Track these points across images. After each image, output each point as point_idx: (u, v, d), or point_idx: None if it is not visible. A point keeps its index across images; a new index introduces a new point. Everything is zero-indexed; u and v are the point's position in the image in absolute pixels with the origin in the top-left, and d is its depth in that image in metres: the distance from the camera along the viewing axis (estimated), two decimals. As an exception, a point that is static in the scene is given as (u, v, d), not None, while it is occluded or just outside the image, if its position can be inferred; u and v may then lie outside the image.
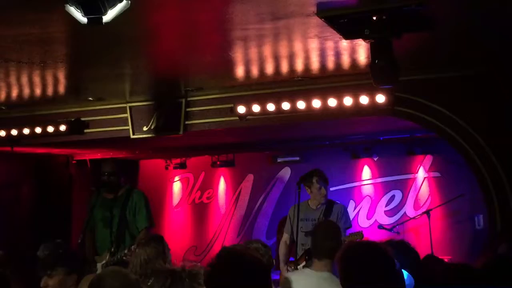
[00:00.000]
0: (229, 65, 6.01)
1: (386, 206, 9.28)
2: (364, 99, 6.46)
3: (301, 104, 6.71)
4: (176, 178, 10.65)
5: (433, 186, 9.07)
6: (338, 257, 3.12)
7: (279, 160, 9.91)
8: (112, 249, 6.62)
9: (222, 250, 2.94)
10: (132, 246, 5.98)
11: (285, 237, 6.82)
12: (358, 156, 9.40)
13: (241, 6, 4.30)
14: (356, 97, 6.49)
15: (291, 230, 6.68)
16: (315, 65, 6.04)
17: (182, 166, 10.43)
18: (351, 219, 7.05)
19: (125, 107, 7.52)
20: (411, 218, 8.89)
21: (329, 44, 5.25)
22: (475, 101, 6.31)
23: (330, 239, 4.49)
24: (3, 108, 7.71)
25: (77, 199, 9.52)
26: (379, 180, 9.38)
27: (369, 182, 9.43)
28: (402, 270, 3.31)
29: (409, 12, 4.26)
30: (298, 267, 6.37)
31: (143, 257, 4.91)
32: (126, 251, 6.27)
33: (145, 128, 7.45)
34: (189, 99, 7.25)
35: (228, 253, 2.77)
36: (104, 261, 6.56)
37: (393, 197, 9.27)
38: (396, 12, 4.27)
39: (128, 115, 7.51)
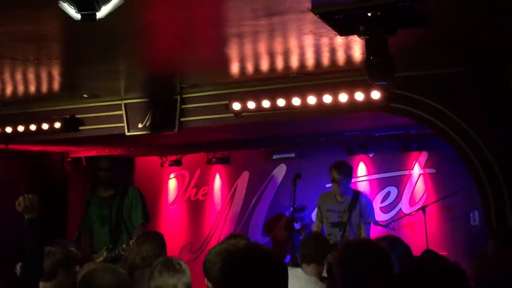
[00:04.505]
0: (224, 62, 5.99)
1: (381, 202, 9.28)
2: (359, 96, 6.45)
3: (296, 101, 6.70)
4: (172, 175, 10.63)
5: (428, 183, 9.08)
6: (336, 257, 3.09)
7: (274, 157, 9.90)
8: (110, 246, 6.63)
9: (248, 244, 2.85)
10: (131, 241, 5.99)
11: (317, 224, 7.21)
12: (354, 153, 9.39)
13: (236, 2, 4.28)
14: (351, 93, 6.48)
15: (321, 217, 7.12)
16: (310, 61, 6.03)
17: (178, 163, 10.41)
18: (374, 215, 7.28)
19: (120, 104, 7.50)
20: (406, 215, 8.90)
21: (324, 41, 5.24)
22: (471, 98, 6.30)
23: (322, 246, 4.87)
24: (-2, 105, 7.69)
25: (72, 196, 9.50)
26: (375, 176, 9.38)
27: (364, 178, 9.43)
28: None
29: (403, 8, 4.25)
30: None
31: (140, 255, 4.91)
32: (124, 246, 6.28)
33: (140, 125, 7.44)
34: (184, 96, 7.24)
35: (252, 248, 2.69)
36: (101, 258, 6.57)
37: (388, 193, 9.27)
38: (391, 9, 4.26)
39: (123, 112, 7.49)
